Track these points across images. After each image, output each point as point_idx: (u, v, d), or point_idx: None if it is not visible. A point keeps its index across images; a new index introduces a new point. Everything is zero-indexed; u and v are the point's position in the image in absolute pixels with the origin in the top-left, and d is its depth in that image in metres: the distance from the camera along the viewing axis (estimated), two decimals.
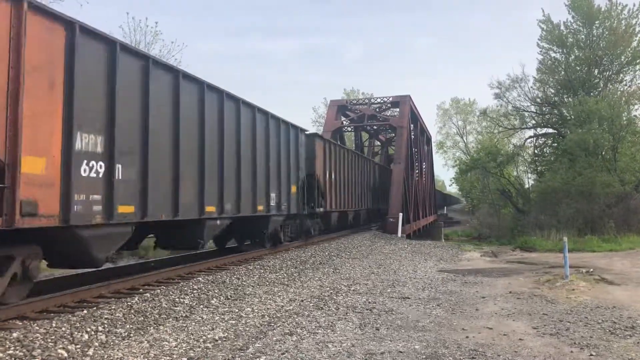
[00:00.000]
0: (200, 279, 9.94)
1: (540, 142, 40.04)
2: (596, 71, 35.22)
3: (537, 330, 7.35)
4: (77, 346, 5.75)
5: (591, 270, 13.98)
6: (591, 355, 6.11)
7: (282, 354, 5.90)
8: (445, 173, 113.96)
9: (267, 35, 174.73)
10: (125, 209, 8.01)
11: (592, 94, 33.79)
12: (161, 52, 27.94)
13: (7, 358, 5.17)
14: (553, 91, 37.32)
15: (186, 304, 8.17)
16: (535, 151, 40.45)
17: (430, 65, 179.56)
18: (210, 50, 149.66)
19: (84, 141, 7.15)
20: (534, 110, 38.68)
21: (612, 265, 15.70)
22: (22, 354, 5.30)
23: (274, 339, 6.53)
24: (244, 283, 10.25)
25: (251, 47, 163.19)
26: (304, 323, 7.42)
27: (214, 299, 8.76)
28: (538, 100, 37.89)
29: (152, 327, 6.83)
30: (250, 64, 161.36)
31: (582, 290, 10.84)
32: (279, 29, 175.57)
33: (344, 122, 36.14)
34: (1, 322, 6.32)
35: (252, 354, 5.87)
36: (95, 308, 7.19)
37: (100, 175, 7.49)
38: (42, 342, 5.67)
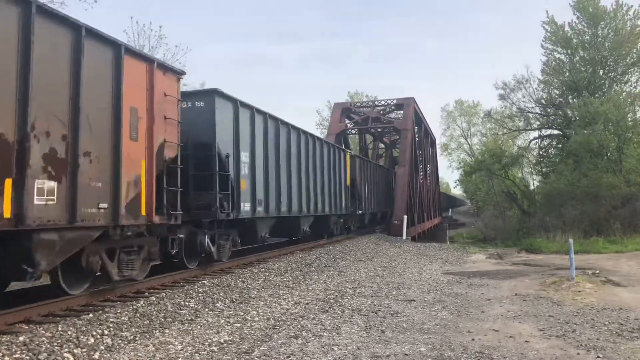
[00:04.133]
0: (205, 282, 9.94)
1: (545, 143, 39.88)
2: (601, 72, 35.06)
3: (543, 332, 7.32)
4: (83, 350, 5.77)
5: (597, 271, 13.92)
6: (598, 357, 6.08)
7: (288, 357, 5.90)
8: (449, 175, 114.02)
9: (272, 40, 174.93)
10: None
11: (597, 95, 33.62)
12: (165, 56, 27.86)
13: None
14: (558, 92, 37.12)
15: (191, 307, 8.18)
16: (540, 152, 40.29)
17: (434, 67, 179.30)
18: (211, 54, 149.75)
19: None
20: (539, 112, 38.56)
21: (619, 266, 15.63)
22: (28, 357, 5.32)
23: (280, 342, 6.53)
24: (249, 286, 10.25)
25: (255, 51, 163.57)
26: (310, 326, 7.41)
27: (219, 302, 8.77)
28: (543, 101, 37.72)
29: (157, 331, 6.85)
30: (254, 68, 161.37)
31: (589, 292, 10.79)
32: (283, 33, 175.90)
33: (348, 125, 36.14)
34: (8, 325, 6.34)
35: (257, 357, 5.87)
36: (101, 311, 7.20)
37: None
38: (48, 345, 5.69)
